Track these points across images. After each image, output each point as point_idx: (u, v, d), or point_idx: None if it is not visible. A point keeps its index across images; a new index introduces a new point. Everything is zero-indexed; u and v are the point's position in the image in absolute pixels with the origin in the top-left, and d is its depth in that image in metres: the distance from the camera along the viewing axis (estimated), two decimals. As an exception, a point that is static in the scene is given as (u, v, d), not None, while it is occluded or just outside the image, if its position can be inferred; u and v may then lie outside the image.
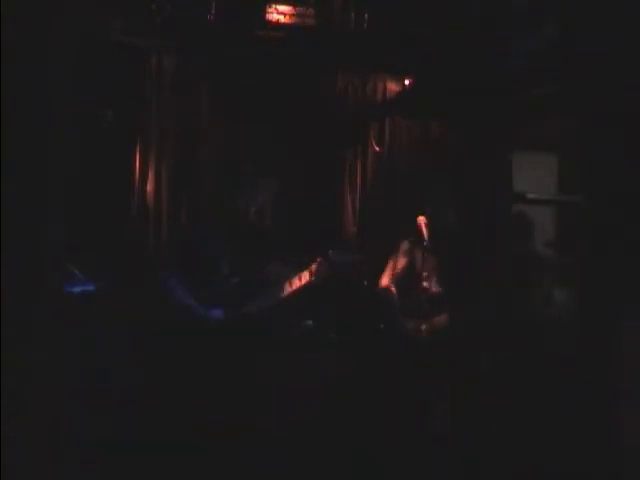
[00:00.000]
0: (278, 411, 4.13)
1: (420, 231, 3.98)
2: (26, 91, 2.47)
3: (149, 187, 5.08)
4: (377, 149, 5.62)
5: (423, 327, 4.04)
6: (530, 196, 5.69)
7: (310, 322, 4.91)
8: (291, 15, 5.16)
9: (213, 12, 4.97)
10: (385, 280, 4.23)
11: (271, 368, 4.12)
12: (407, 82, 5.56)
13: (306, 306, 4.79)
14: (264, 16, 5.10)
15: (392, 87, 5.62)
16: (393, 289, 4.17)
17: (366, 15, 5.17)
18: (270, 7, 5.10)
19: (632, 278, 4.45)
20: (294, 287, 3.78)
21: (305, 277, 3.79)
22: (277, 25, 5.13)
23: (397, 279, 4.22)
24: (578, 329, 4.59)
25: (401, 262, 4.20)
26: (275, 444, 4.08)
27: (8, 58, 2.39)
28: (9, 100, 2.41)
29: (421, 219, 4.02)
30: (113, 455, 3.80)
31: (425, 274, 4.11)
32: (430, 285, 4.13)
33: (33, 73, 2.49)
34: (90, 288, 4.12)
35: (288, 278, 3.81)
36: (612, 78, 4.49)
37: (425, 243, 3.94)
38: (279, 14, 5.13)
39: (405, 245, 4.24)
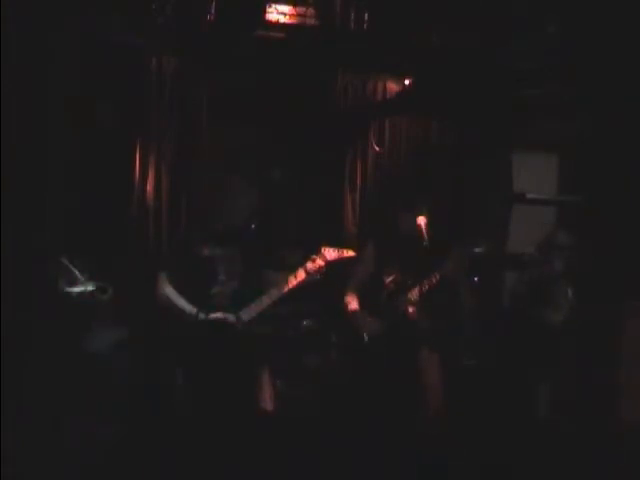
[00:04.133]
0: (278, 412, 4.13)
1: (420, 231, 3.98)
2: (26, 91, 2.48)
3: (149, 187, 5.08)
4: (377, 149, 5.62)
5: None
6: (530, 196, 5.70)
7: (310, 322, 4.91)
8: (291, 15, 5.16)
9: (213, 12, 4.97)
10: (350, 294, 4.26)
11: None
12: (407, 82, 5.57)
13: (305, 306, 4.80)
14: (264, 16, 5.10)
15: (392, 87, 5.62)
16: (355, 303, 4.22)
17: (366, 15, 5.17)
18: (270, 7, 5.10)
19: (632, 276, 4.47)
20: (291, 286, 3.78)
21: (301, 275, 3.79)
22: (277, 25, 5.13)
23: (361, 286, 4.26)
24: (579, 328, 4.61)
25: (365, 268, 4.24)
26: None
27: (8, 58, 2.40)
28: (9, 100, 2.41)
29: (421, 219, 4.02)
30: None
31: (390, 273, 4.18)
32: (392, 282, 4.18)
33: (33, 73, 2.49)
34: (90, 288, 4.12)
35: (285, 277, 3.81)
36: (612, 78, 4.50)
37: (425, 243, 3.94)
38: (279, 14, 5.13)
39: (368, 250, 4.27)
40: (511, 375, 4.66)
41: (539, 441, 4.30)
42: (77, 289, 4.06)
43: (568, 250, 4.74)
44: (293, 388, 4.59)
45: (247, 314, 3.74)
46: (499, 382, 4.68)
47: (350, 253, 3.95)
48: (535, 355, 4.61)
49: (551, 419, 4.51)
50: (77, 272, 4.10)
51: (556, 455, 4.20)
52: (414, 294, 4.09)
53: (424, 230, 3.99)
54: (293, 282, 3.79)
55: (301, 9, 5.14)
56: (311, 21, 5.17)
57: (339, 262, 3.93)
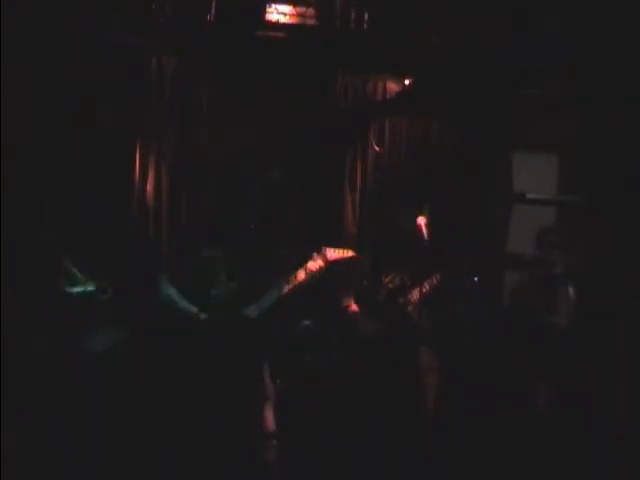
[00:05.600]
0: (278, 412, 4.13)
1: (420, 231, 3.98)
2: (26, 91, 2.47)
3: (149, 187, 5.08)
4: (377, 149, 5.62)
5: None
6: (530, 196, 5.70)
7: (309, 322, 4.91)
8: (291, 15, 5.16)
9: (213, 12, 4.97)
10: (350, 294, 4.28)
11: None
12: (407, 82, 5.56)
13: (306, 306, 4.80)
14: (264, 16, 5.10)
15: (392, 87, 5.62)
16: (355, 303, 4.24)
17: (366, 15, 5.17)
18: (270, 7, 5.10)
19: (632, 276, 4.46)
20: (291, 286, 3.77)
21: (301, 275, 3.79)
22: (277, 25, 5.13)
23: (360, 286, 4.28)
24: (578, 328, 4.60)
25: (364, 268, 4.27)
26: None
27: (8, 58, 2.40)
28: (9, 100, 2.41)
29: (421, 219, 4.02)
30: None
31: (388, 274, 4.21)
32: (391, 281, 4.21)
33: (33, 73, 2.49)
34: (90, 288, 4.12)
35: (286, 278, 3.80)
36: (612, 78, 4.49)
37: (425, 243, 3.95)
38: (279, 14, 5.13)
39: (368, 249, 4.30)
40: (510, 375, 4.66)
41: (539, 442, 4.30)
42: (77, 289, 4.06)
43: (567, 249, 4.74)
44: (293, 388, 4.59)
45: (248, 314, 3.73)
46: (498, 382, 4.68)
47: (350, 253, 3.95)
48: (535, 355, 4.61)
49: (551, 419, 4.51)
50: (77, 272, 4.10)
51: (556, 455, 4.20)
52: (414, 294, 4.10)
53: (424, 230, 4.00)
54: (294, 282, 3.79)
55: (301, 9, 5.15)
56: (311, 21, 5.17)
57: (339, 262, 3.92)
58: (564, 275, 4.70)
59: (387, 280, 4.25)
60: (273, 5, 5.11)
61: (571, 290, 4.63)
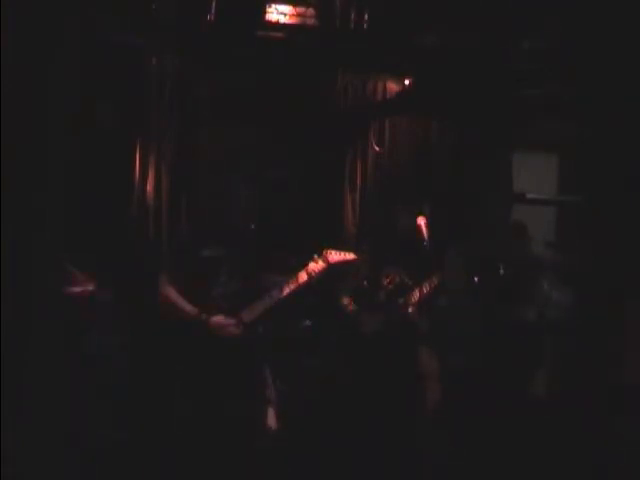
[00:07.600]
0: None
1: (420, 231, 3.98)
2: (26, 91, 2.47)
3: (149, 187, 5.08)
4: (377, 149, 5.62)
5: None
6: (530, 196, 5.70)
7: (309, 322, 4.91)
8: (291, 15, 5.16)
9: (213, 12, 4.97)
10: (349, 294, 4.28)
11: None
12: (407, 82, 5.57)
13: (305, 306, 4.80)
14: (264, 16, 5.10)
15: (392, 87, 5.62)
16: (354, 304, 4.25)
17: (366, 15, 5.17)
18: (270, 7, 5.10)
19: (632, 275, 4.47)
20: (292, 288, 3.76)
21: (302, 277, 3.77)
22: (277, 25, 5.14)
23: (360, 287, 4.29)
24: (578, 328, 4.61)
25: (364, 268, 4.26)
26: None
27: (8, 58, 2.40)
28: (9, 100, 2.41)
29: (421, 219, 4.02)
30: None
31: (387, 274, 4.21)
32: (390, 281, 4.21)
33: (33, 73, 2.49)
34: (90, 288, 4.11)
35: (287, 279, 3.79)
36: (612, 78, 4.50)
37: (425, 243, 3.95)
38: (279, 14, 5.13)
39: (367, 250, 4.29)
40: (506, 375, 4.65)
41: (539, 441, 4.30)
42: (77, 289, 4.06)
43: (539, 246, 4.75)
44: (293, 389, 4.59)
45: (248, 315, 3.73)
46: (494, 381, 4.68)
47: (352, 256, 3.93)
48: (522, 353, 4.61)
49: (551, 419, 4.51)
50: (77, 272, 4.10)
51: (556, 455, 4.20)
52: (415, 296, 4.09)
53: (424, 230, 3.99)
54: (294, 284, 3.78)
55: (301, 9, 5.15)
56: (311, 21, 5.17)
57: (340, 264, 3.91)
58: (539, 271, 4.70)
59: (387, 280, 4.25)
60: (273, 5, 5.11)
61: (546, 285, 4.63)
